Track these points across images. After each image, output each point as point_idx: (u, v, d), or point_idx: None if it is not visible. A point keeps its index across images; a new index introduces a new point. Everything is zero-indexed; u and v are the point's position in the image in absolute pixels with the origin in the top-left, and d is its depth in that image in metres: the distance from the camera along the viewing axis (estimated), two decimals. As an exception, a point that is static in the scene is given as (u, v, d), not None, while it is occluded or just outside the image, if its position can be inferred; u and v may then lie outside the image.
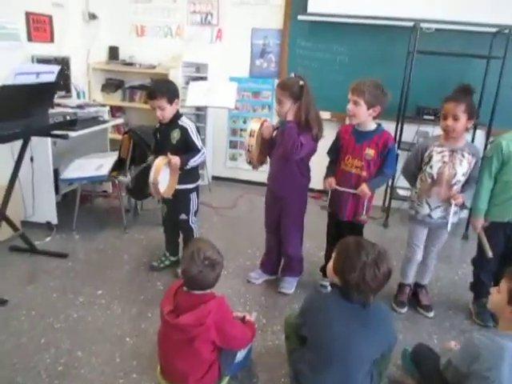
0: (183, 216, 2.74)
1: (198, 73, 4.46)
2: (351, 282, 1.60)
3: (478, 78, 3.80)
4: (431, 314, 2.52)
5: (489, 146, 2.43)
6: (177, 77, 4.28)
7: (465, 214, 3.54)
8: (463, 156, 2.25)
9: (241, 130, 4.63)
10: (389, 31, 3.94)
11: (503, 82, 3.47)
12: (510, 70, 3.47)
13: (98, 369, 1.94)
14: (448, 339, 2.32)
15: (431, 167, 2.29)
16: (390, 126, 3.77)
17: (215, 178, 4.75)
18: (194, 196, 2.73)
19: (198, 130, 2.67)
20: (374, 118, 2.33)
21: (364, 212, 2.40)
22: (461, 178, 2.28)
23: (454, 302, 2.70)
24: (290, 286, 2.65)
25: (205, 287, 1.75)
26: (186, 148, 2.57)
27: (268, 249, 2.77)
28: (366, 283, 1.59)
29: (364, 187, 2.31)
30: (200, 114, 4.49)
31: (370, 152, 2.32)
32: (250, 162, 2.55)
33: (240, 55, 4.40)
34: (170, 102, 2.52)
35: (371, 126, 2.35)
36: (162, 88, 2.54)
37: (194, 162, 2.54)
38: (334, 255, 1.70)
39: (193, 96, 4.13)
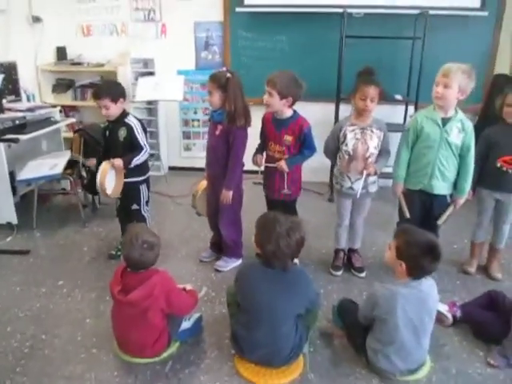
0: (135, 206, 2.95)
1: (146, 68, 4.62)
2: (269, 251, 1.88)
3: (407, 58, 4.12)
4: (363, 275, 2.83)
5: (408, 120, 2.70)
6: (125, 73, 4.44)
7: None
8: (372, 131, 2.55)
9: (192, 120, 4.83)
10: (322, 19, 4.18)
11: (425, 60, 3.79)
12: (429, 48, 3.78)
13: (60, 348, 2.16)
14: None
15: (346, 145, 2.57)
16: (330, 107, 4.12)
17: (172, 169, 4.96)
18: (143, 187, 2.95)
19: (145, 127, 2.88)
20: (289, 106, 2.57)
21: (285, 187, 2.66)
22: (373, 150, 2.57)
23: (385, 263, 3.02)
24: (224, 264, 2.89)
25: (147, 267, 1.99)
26: (132, 145, 2.78)
27: (212, 231, 3.02)
28: (281, 251, 1.86)
29: (282, 162, 2.58)
30: (151, 108, 4.66)
31: (289, 138, 2.58)
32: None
33: (185, 48, 4.57)
34: (114, 101, 2.71)
35: (287, 114, 2.60)
36: (105, 88, 2.76)
37: (137, 160, 2.76)
38: (255, 229, 1.97)
39: (142, 91, 4.29)
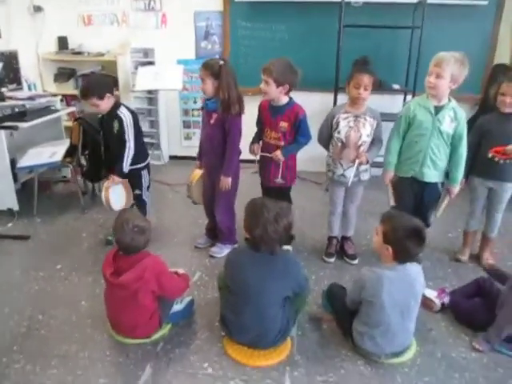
0: (137, 191, 3.01)
1: (146, 58, 4.64)
2: (257, 236, 1.92)
3: (405, 48, 4.12)
4: (355, 262, 2.87)
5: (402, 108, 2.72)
6: (126, 63, 4.48)
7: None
8: (365, 119, 2.57)
9: (192, 109, 4.86)
10: (321, 8, 4.18)
11: (423, 49, 3.78)
12: (428, 38, 3.77)
13: (56, 328, 2.23)
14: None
15: (339, 132, 2.60)
16: (328, 97, 4.12)
17: (173, 158, 5.00)
18: (145, 173, 3.02)
19: (136, 120, 2.86)
20: (286, 93, 2.59)
21: (280, 176, 2.69)
22: (366, 138, 2.59)
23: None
24: (219, 250, 2.94)
25: (138, 250, 2.04)
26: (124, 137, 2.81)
27: (208, 218, 3.07)
28: (268, 236, 1.90)
29: (278, 152, 2.62)
30: (152, 97, 4.70)
31: (284, 125, 2.61)
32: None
33: (185, 38, 4.59)
34: (101, 97, 2.73)
35: (283, 101, 2.62)
36: (90, 87, 2.77)
37: (127, 160, 2.79)
38: (244, 215, 2.01)
39: (142, 80, 4.33)
